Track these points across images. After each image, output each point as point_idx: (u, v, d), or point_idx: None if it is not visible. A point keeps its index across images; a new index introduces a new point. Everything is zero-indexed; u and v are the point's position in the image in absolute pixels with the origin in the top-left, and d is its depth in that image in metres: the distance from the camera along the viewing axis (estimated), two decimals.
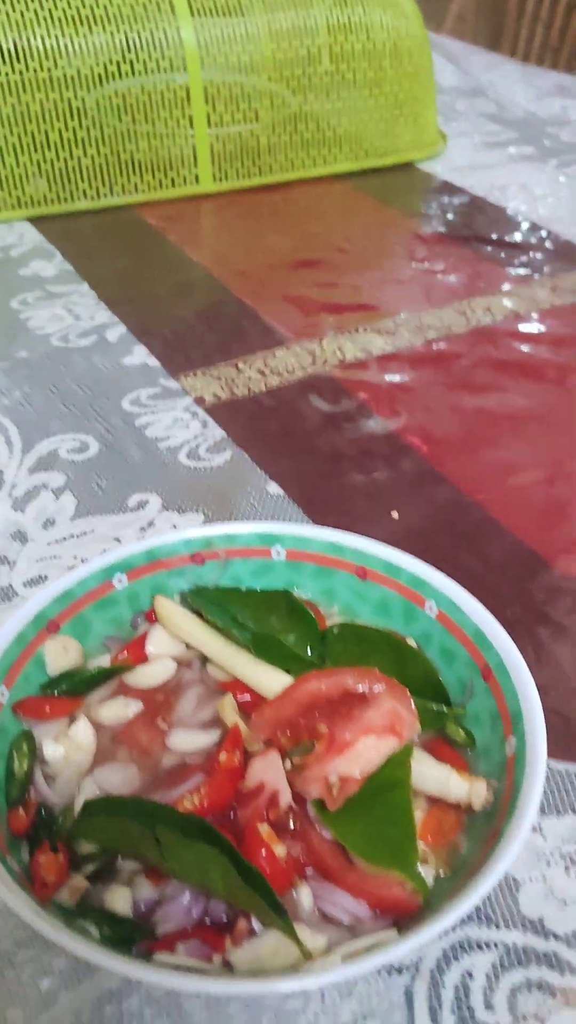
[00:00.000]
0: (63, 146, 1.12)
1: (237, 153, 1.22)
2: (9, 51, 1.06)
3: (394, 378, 0.82)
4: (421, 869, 0.38)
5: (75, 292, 0.98)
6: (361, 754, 0.40)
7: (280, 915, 0.36)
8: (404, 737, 0.41)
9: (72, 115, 1.11)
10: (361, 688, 0.42)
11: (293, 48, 1.19)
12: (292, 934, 0.36)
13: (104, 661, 0.49)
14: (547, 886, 0.42)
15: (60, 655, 0.48)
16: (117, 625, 0.51)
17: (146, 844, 0.38)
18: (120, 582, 0.51)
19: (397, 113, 1.29)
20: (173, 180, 1.20)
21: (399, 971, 0.39)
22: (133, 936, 0.37)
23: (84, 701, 0.47)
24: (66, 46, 1.08)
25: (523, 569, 0.61)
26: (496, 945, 0.40)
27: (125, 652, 0.49)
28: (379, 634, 0.49)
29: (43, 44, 1.07)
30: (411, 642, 0.49)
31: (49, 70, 1.08)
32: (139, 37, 1.11)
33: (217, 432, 0.74)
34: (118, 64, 1.11)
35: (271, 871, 0.37)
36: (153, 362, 0.84)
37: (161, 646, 0.49)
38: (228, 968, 0.36)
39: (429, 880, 0.39)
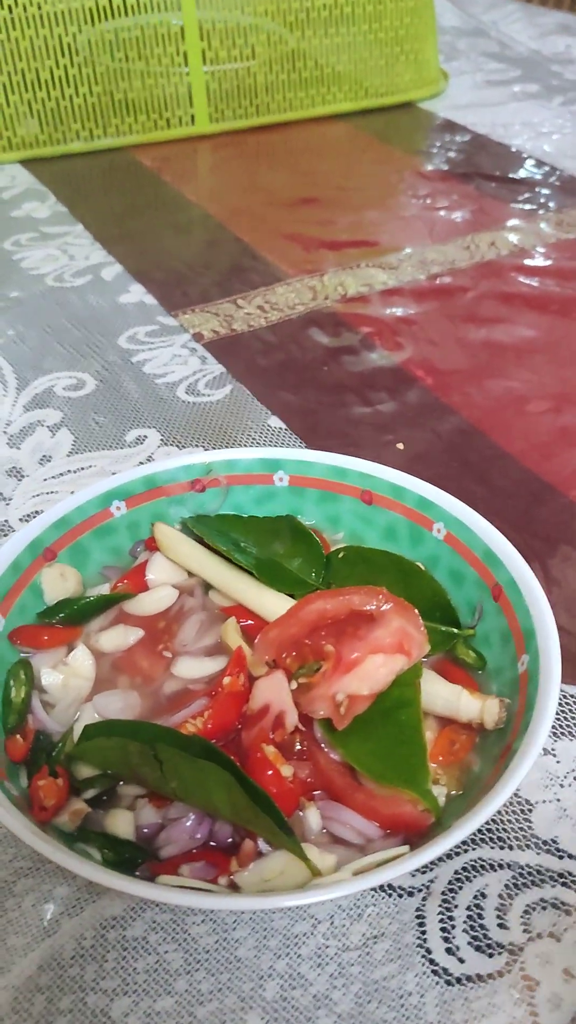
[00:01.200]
0: (55, 85, 1.09)
1: (233, 92, 1.18)
2: None
3: (397, 312, 0.80)
4: (432, 788, 0.37)
5: (69, 233, 0.95)
6: (369, 673, 0.39)
7: (287, 834, 0.35)
8: (413, 656, 0.40)
9: (64, 53, 1.08)
10: (368, 607, 0.41)
11: None
12: (300, 853, 0.34)
13: (103, 590, 0.48)
14: (560, 807, 0.41)
15: (58, 583, 0.46)
16: (116, 554, 0.50)
17: (147, 765, 0.36)
18: (119, 510, 0.49)
19: (398, 50, 1.26)
20: (168, 120, 1.17)
21: (410, 893, 0.38)
22: (136, 859, 0.36)
23: (83, 630, 0.46)
24: None
25: (531, 497, 0.59)
26: (509, 865, 0.39)
27: (125, 580, 0.48)
28: (385, 556, 0.47)
29: None
30: (419, 566, 0.47)
31: (39, 6, 1.05)
32: None
33: (216, 368, 0.72)
34: (110, 0, 1.08)
35: (277, 792, 0.36)
36: (150, 300, 0.82)
37: (162, 573, 0.48)
38: (235, 890, 0.35)
39: (441, 799, 0.38)
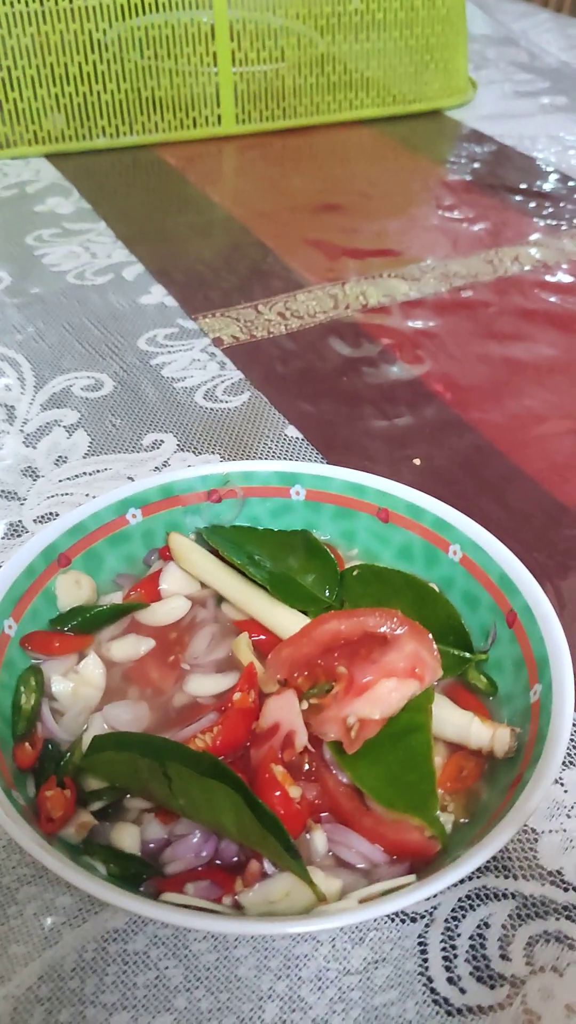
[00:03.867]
0: (82, 80, 1.09)
1: (261, 94, 1.18)
2: None
3: (418, 324, 0.80)
4: (440, 815, 0.37)
5: (92, 230, 0.95)
6: (381, 697, 0.39)
7: (294, 857, 0.35)
8: (426, 681, 0.40)
9: (93, 48, 1.08)
10: (382, 629, 0.41)
11: None
12: (306, 876, 0.34)
13: (116, 598, 0.48)
14: (567, 837, 0.41)
15: (72, 590, 0.46)
16: (130, 562, 0.50)
17: (156, 781, 0.36)
18: (134, 517, 0.49)
19: (427, 58, 1.25)
20: (195, 120, 1.17)
21: (413, 919, 0.38)
22: (141, 874, 0.36)
23: (95, 638, 0.46)
24: None
25: (547, 519, 0.59)
26: (513, 895, 0.39)
27: (138, 589, 0.48)
28: (400, 576, 0.47)
29: None
30: (433, 587, 0.47)
31: (71, 0, 1.05)
32: None
33: (235, 374, 0.72)
34: None
35: (285, 813, 0.36)
36: (171, 302, 0.82)
37: (175, 584, 0.48)
38: (238, 910, 0.35)
39: (448, 827, 0.38)
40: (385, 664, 0.39)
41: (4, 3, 1.03)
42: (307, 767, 0.39)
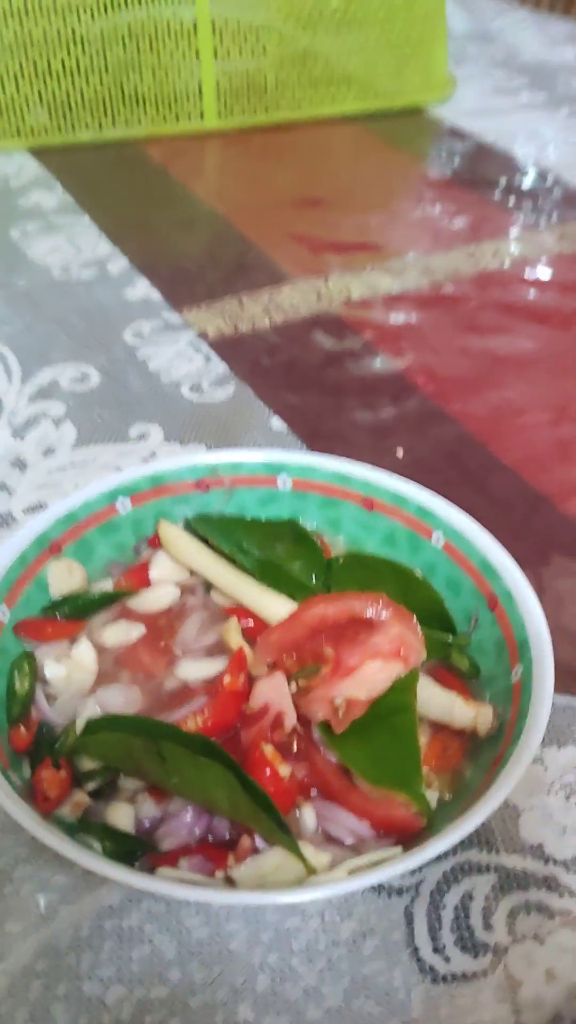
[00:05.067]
0: (65, 75, 1.09)
1: (243, 89, 1.19)
2: None
3: (400, 318, 0.81)
4: (425, 792, 0.38)
5: (76, 224, 0.96)
6: (367, 678, 0.40)
7: (284, 832, 0.36)
8: (410, 662, 0.41)
9: (76, 43, 1.08)
10: (368, 613, 0.42)
11: None
12: (296, 850, 0.36)
13: (107, 586, 0.49)
14: (546, 813, 0.42)
15: (64, 577, 0.47)
16: (120, 550, 0.50)
17: (150, 761, 0.37)
18: (124, 506, 0.50)
19: (408, 53, 1.26)
20: (177, 115, 1.17)
21: (399, 892, 0.39)
22: (135, 851, 0.37)
23: (86, 624, 0.47)
24: None
25: (527, 507, 0.60)
26: (496, 868, 0.40)
27: (129, 577, 0.49)
28: (385, 563, 0.48)
29: None
30: (417, 573, 0.48)
31: None
32: None
33: (220, 366, 0.73)
34: None
35: (275, 790, 0.37)
36: (155, 295, 0.83)
37: (165, 571, 0.49)
38: (231, 884, 0.36)
39: (433, 803, 0.39)
40: (371, 646, 0.41)
41: None
42: (296, 746, 0.40)
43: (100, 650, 0.45)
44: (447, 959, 0.37)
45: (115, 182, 1.08)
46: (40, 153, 1.12)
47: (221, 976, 0.37)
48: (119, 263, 0.88)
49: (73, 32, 1.08)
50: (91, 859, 0.33)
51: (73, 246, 0.91)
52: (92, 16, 1.08)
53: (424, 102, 1.32)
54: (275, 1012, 0.36)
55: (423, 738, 0.41)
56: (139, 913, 0.39)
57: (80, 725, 0.41)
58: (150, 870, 0.36)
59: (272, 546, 0.50)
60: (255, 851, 0.37)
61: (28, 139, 1.12)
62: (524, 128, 1.27)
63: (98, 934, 0.38)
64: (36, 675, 0.44)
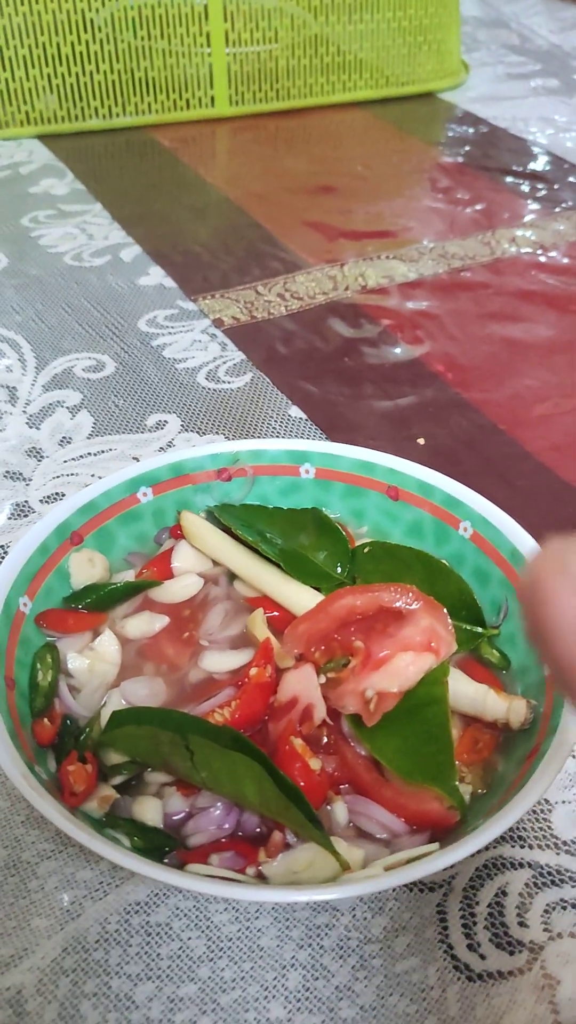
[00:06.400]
0: (75, 61, 1.08)
1: (254, 75, 1.18)
2: None
3: (417, 305, 0.80)
4: (458, 786, 0.38)
5: (88, 211, 0.95)
6: (399, 670, 0.39)
7: (317, 827, 0.35)
8: (441, 655, 0.40)
9: (85, 28, 1.07)
10: (398, 604, 0.41)
11: None
12: (329, 846, 0.35)
13: (128, 576, 0.48)
14: None
15: (85, 568, 0.46)
16: (141, 540, 0.50)
17: (177, 754, 0.37)
18: (145, 496, 0.49)
19: (420, 39, 1.25)
20: (188, 101, 1.16)
21: (431, 888, 0.39)
22: (164, 847, 0.37)
23: (109, 616, 0.46)
24: None
25: (552, 497, 0.59)
26: (530, 864, 0.39)
27: (151, 567, 0.48)
28: (411, 552, 0.47)
29: None
30: (444, 563, 0.48)
31: None
32: None
33: (236, 355, 0.72)
34: None
35: (306, 784, 0.37)
36: (170, 283, 0.82)
37: (187, 562, 0.48)
38: (262, 880, 0.35)
39: (466, 797, 0.38)
40: (402, 638, 0.40)
41: None
42: (325, 740, 0.39)
43: (123, 641, 0.44)
44: (482, 956, 0.36)
45: (125, 169, 1.07)
46: (50, 139, 1.11)
47: (251, 973, 0.36)
48: (132, 251, 0.87)
49: (83, 16, 1.07)
50: (123, 856, 0.32)
51: (85, 234, 0.90)
52: (102, 1, 1.07)
53: (437, 88, 1.30)
54: (307, 1010, 0.35)
55: (455, 731, 0.40)
56: (167, 909, 0.38)
57: (104, 718, 0.40)
58: (179, 866, 0.36)
59: (296, 535, 0.49)
60: (287, 846, 0.36)
61: (38, 126, 1.11)
62: (536, 113, 1.26)
63: (126, 930, 0.37)
64: (59, 667, 0.43)
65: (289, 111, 1.22)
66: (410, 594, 0.41)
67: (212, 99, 1.17)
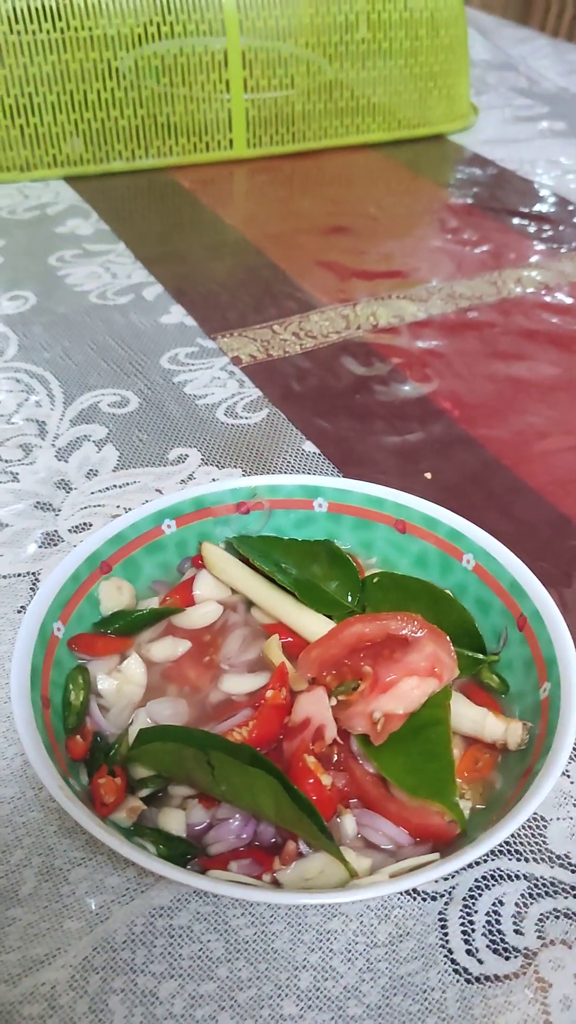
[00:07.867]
0: (100, 106, 1.13)
1: (271, 119, 1.22)
2: (50, 8, 1.07)
3: (426, 344, 0.84)
4: (458, 802, 0.41)
5: (112, 251, 0.99)
6: (404, 694, 0.42)
7: (327, 838, 0.38)
8: (444, 679, 0.43)
9: (110, 76, 1.12)
10: (404, 632, 0.44)
11: (331, 14, 1.19)
12: (339, 855, 0.38)
13: (153, 603, 0.51)
14: (574, 824, 0.44)
15: (114, 595, 0.50)
16: (165, 570, 0.53)
17: (200, 769, 0.40)
18: (169, 528, 0.53)
19: (431, 85, 1.30)
20: (208, 144, 1.21)
21: (433, 898, 0.42)
22: (187, 854, 0.40)
23: (135, 640, 0.49)
24: (106, 5, 1.09)
25: (552, 531, 0.62)
26: (525, 876, 0.42)
27: (174, 595, 0.51)
28: (417, 583, 0.51)
29: (84, 3, 1.08)
30: (448, 593, 0.51)
31: (90, 29, 1.09)
32: None
33: (254, 391, 0.76)
34: (158, 25, 1.12)
35: (318, 798, 0.40)
36: (190, 322, 0.86)
37: (208, 590, 0.51)
38: (277, 885, 0.38)
39: (466, 812, 0.41)
40: (407, 664, 0.43)
41: (26, 31, 1.07)
42: (336, 758, 0.43)
43: (148, 664, 0.48)
44: (480, 961, 0.39)
45: (147, 210, 1.11)
46: (75, 181, 1.16)
47: (266, 974, 0.39)
48: (154, 290, 0.91)
49: (108, 64, 1.12)
50: (150, 861, 0.36)
51: (109, 272, 0.94)
52: (127, 49, 1.12)
53: (447, 131, 1.35)
54: (317, 1008, 0.38)
55: (456, 751, 0.43)
56: (188, 913, 0.41)
57: (132, 735, 0.43)
58: (201, 872, 0.39)
59: (309, 566, 0.52)
60: (300, 855, 0.39)
61: (64, 168, 1.16)
62: (544, 156, 1.30)
63: (150, 932, 0.40)
64: (90, 687, 0.46)
65: (304, 153, 1.26)
66: (415, 622, 0.45)
67: (231, 142, 1.21)
